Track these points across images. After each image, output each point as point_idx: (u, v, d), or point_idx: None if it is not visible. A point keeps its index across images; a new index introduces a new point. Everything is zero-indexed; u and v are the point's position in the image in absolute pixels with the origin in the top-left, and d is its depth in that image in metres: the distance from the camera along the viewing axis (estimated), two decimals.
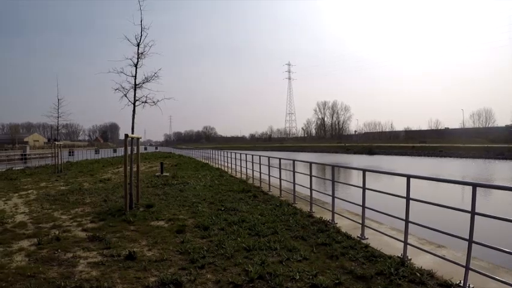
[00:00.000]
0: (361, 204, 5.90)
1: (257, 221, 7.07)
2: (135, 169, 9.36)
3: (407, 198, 4.74)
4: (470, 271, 3.80)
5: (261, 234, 6.15)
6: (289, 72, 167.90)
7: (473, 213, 3.68)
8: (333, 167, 7.63)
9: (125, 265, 4.77)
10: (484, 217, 3.67)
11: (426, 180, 5.37)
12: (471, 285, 3.80)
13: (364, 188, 5.90)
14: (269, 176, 12.23)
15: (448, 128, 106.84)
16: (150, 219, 7.77)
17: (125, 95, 9.65)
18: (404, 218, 4.79)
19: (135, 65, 9.66)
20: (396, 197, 5.03)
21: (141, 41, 9.62)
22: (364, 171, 6.14)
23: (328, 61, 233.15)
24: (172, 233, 6.53)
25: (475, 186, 3.77)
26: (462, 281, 3.85)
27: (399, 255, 4.80)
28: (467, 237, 3.76)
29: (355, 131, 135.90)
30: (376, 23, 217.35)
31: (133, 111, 9.67)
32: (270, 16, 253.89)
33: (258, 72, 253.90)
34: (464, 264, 3.82)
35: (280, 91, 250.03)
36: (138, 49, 9.66)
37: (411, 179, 4.79)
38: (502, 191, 4.75)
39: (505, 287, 3.58)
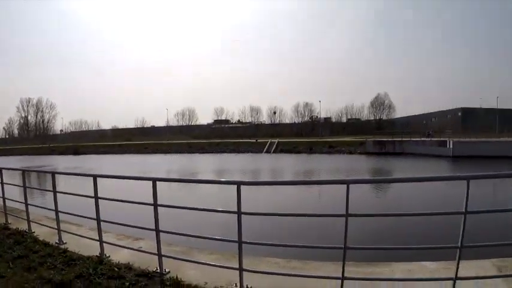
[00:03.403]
0: (54, 208, 5.54)
1: None
2: None
3: (96, 197, 4.78)
4: (163, 257, 4.22)
5: None
6: None
7: (156, 205, 4.15)
8: (24, 171, 6.89)
9: None
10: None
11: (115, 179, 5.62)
12: (167, 270, 4.22)
13: (54, 192, 5.55)
14: None
15: (154, 126, 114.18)
16: None
17: None
18: (95, 218, 4.83)
19: None
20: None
21: None
22: (53, 173, 5.81)
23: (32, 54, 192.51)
24: None
25: (154, 180, 4.25)
26: (158, 268, 4.23)
27: (98, 254, 4.79)
28: (154, 228, 4.18)
29: (61, 131, 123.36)
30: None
31: None
32: None
33: None
34: (156, 252, 4.23)
35: None
36: None
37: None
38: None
39: (195, 265, 4.17)
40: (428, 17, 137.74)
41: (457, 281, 3.33)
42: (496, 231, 7.21)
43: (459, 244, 3.27)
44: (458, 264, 3.31)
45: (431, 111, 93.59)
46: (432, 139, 49.85)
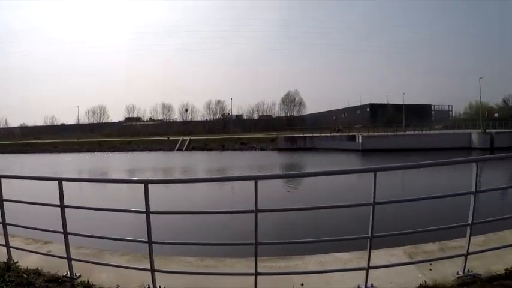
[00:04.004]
0: None
1: None
2: None
3: (0, 200, 4.40)
4: (73, 261, 3.99)
5: None
6: None
7: (62, 206, 3.87)
8: None
9: None
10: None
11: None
12: (77, 274, 3.98)
13: None
14: None
15: (64, 124, 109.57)
16: None
17: None
18: (0, 221, 4.45)
19: None
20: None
21: None
22: None
23: None
24: None
25: (60, 180, 3.97)
26: (69, 272, 3.99)
27: (5, 260, 4.42)
28: (62, 231, 3.92)
29: None
30: None
31: None
32: None
33: None
34: (65, 256, 3.98)
35: None
36: None
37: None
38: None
39: (106, 268, 4.02)
40: (338, 18, 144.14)
41: (370, 270, 3.39)
42: (407, 219, 7.58)
43: (369, 234, 3.33)
44: (369, 253, 3.38)
45: (341, 107, 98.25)
46: (342, 134, 52.10)
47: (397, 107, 75.82)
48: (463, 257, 3.59)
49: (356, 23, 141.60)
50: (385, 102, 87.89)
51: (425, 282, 3.44)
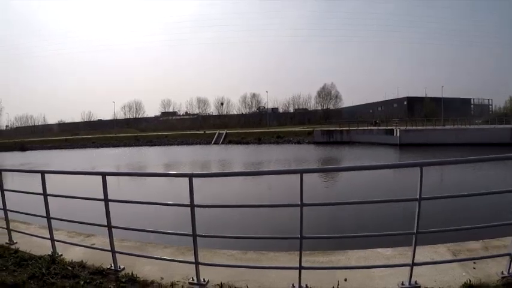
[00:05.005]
0: (2, 207, 5.22)
1: None
2: None
3: (45, 194, 4.52)
4: (117, 254, 4.06)
5: None
6: None
7: (106, 200, 3.96)
8: None
9: None
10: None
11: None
12: (121, 266, 4.05)
13: (2, 190, 5.21)
14: None
15: (101, 120, 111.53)
16: None
17: None
18: (45, 215, 4.58)
19: None
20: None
21: None
22: (0, 171, 5.48)
23: None
24: None
25: (104, 175, 4.03)
26: (113, 264, 4.07)
27: (50, 253, 4.55)
28: (106, 224, 4.00)
29: (7, 126, 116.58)
30: None
31: None
32: None
33: None
34: (110, 248, 4.05)
35: None
36: None
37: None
38: None
39: (150, 261, 4.07)
40: (370, 9, 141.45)
41: (414, 267, 3.34)
42: (447, 216, 7.32)
43: (415, 230, 3.27)
44: (414, 250, 3.32)
45: (377, 100, 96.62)
46: (379, 128, 50.53)
47: (435, 101, 73.97)
48: (508, 257, 3.47)
49: (393, 13, 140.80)
50: (423, 95, 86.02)
51: (470, 281, 3.34)
